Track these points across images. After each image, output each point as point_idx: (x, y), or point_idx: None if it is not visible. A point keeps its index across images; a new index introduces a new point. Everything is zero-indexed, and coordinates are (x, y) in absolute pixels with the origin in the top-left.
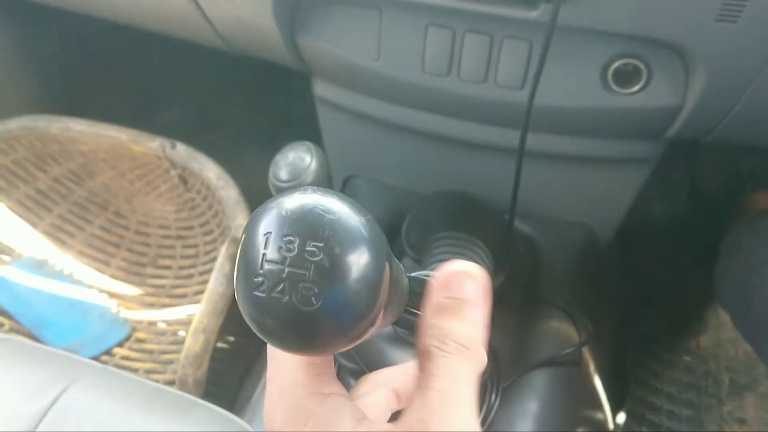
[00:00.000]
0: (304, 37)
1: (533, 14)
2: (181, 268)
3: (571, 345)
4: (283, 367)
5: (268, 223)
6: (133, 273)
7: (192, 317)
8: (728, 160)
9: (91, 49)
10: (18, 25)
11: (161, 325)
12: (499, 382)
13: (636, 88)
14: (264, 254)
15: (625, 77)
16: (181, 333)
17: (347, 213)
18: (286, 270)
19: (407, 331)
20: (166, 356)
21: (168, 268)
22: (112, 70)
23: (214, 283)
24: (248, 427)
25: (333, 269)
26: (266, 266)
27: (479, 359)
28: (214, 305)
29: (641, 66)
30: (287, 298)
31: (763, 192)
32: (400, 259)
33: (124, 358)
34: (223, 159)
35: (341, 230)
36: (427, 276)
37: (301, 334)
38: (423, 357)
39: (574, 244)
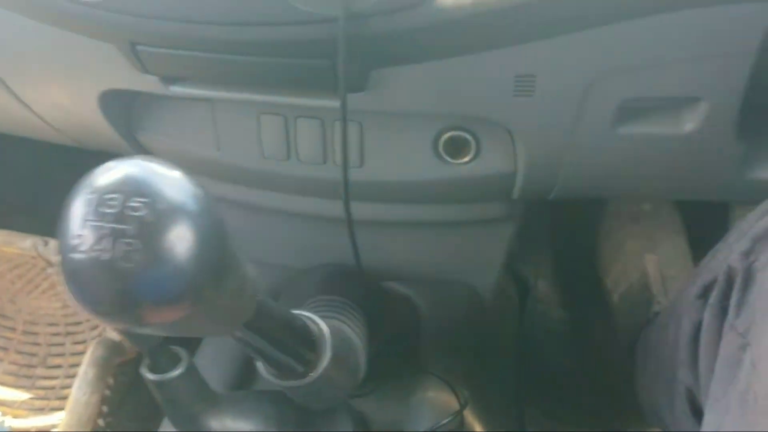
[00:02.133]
0: (144, 134)
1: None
2: (72, 365)
3: (450, 414)
4: None
5: (92, 182)
6: (22, 376)
7: None
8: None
9: None
10: None
11: None
12: None
13: (467, 158)
14: (85, 213)
15: (457, 148)
16: None
17: (176, 174)
18: (108, 225)
19: (257, 357)
20: None
21: (59, 366)
22: None
23: (77, 392)
24: None
25: (158, 223)
26: (88, 225)
27: None
28: (78, 417)
29: (468, 137)
30: (108, 255)
31: None
32: None
33: None
34: None
35: (169, 185)
36: (308, 317)
37: (123, 296)
38: None
39: (456, 304)
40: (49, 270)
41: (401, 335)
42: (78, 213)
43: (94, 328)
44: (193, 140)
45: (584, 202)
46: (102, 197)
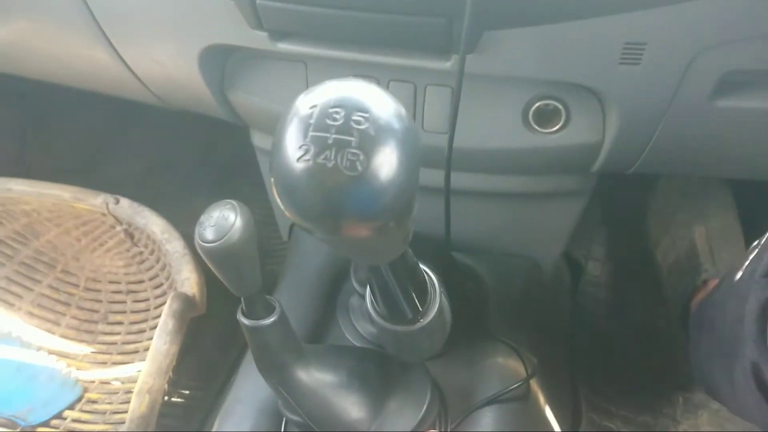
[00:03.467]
0: (234, 92)
1: (447, 65)
2: (133, 323)
3: (517, 380)
4: None
5: (313, 97)
6: (84, 331)
7: None
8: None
9: (35, 105)
10: None
11: (115, 384)
12: (447, 424)
13: (556, 128)
14: (310, 124)
15: (546, 117)
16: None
17: (386, 93)
18: (333, 137)
19: (379, 297)
20: (117, 416)
21: (120, 323)
22: (57, 125)
23: (158, 341)
24: None
25: (378, 136)
26: (312, 134)
27: None
28: (158, 365)
29: (560, 106)
30: (333, 163)
31: None
32: (348, 297)
33: (75, 420)
34: (174, 207)
35: (385, 103)
36: (424, 270)
37: (344, 202)
38: None
39: (519, 277)
40: (118, 228)
41: (469, 303)
42: (301, 125)
43: (157, 287)
44: (282, 101)
45: (634, 183)
46: (326, 110)
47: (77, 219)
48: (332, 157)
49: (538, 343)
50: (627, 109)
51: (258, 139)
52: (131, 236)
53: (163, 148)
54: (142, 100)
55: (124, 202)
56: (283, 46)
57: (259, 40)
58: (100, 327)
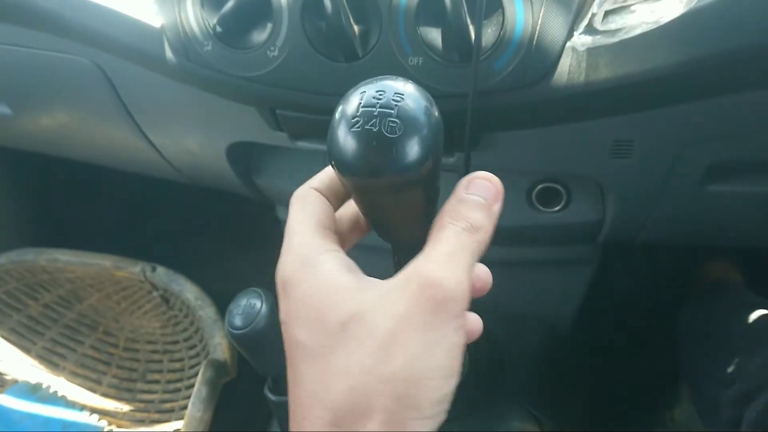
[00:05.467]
0: (260, 177)
1: (451, 160)
2: (169, 382)
3: None
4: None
5: (363, 87)
6: (123, 389)
7: None
8: None
9: (72, 175)
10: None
11: None
12: None
13: (558, 208)
14: (360, 103)
15: (548, 197)
16: None
17: (415, 84)
18: (378, 110)
19: None
20: None
21: (157, 382)
22: (95, 192)
23: (193, 409)
24: None
25: (412, 110)
26: (362, 110)
27: (483, 243)
28: (194, 430)
29: (561, 189)
30: (377, 128)
31: (716, 261)
32: None
33: None
34: (206, 266)
35: (417, 89)
36: None
37: (386, 156)
38: (436, 230)
39: (535, 338)
40: (154, 293)
41: (485, 364)
42: (355, 103)
43: (191, 347)
44: None
45: None
46: (373, 92)
47: (117, 285)
48: (377, 124)
49: (556, 406)
50: (622, 194)
51: (284, 213)
52: (167, 301)
53: (196, 211)
54: (174, 180)
55: (161, 270)
56: (302, 144)
57: (279, 139)
58: (139, 385)
